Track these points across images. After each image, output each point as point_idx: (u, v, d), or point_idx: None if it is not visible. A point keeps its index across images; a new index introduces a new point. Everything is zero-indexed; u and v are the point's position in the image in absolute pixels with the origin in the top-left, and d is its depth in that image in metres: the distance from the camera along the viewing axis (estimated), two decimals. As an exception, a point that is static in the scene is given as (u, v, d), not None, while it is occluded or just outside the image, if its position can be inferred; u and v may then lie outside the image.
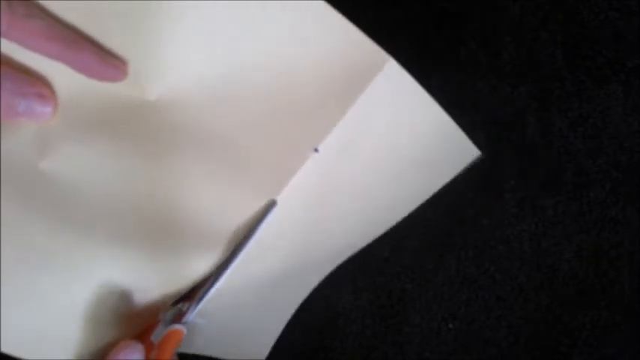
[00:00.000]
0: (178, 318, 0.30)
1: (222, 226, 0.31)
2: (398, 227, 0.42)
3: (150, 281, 0.31)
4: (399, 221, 0.42)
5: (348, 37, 0.29)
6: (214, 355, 0.36)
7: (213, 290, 0.30)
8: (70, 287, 0.29)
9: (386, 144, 0.33)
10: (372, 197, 0.35)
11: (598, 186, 0.42)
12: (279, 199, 0.31)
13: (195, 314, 0.30)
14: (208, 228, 0.31)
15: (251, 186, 0.31)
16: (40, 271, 0.29)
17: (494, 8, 0.43)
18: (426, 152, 0.34)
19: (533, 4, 0.43)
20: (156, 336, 0.29)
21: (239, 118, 0.30)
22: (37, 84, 0.29)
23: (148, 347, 0.28)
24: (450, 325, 0.42)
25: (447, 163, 0.35)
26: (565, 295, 0.42)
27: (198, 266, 0.31)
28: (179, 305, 0.31)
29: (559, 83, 0.43)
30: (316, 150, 0.30)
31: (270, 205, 0.30)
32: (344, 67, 0.30)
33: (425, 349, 0.42)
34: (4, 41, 0.28)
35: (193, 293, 0.31)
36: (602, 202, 0.42)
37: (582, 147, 0.42)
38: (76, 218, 0.29)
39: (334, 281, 0.42)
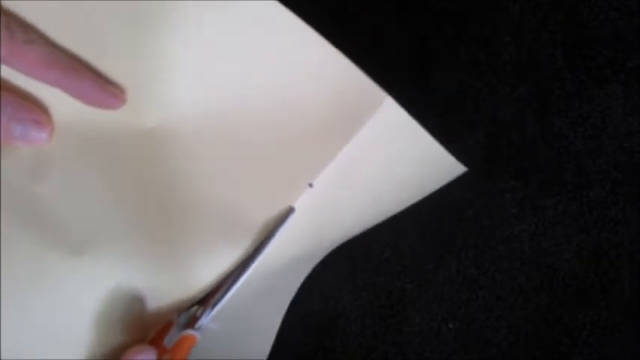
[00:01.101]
0: (192, 322, 0.30)
1: (230, 235, 0.31)
2: (398, 227, 0.42)
3: (160, 287, 0.31)
4: (399, 222, 0.42)
5: (347, 76, 0.30)
6: (217, 358, 0.36)
7: (228, 296, 0.30)
8: (76, 294, 0.29)
9: (379, 174, 0.33)
10: (361, 211, 0.35)
11: (598, 186, 0.42)
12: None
13: (209, 319, 0.30)
14: (214, 240, 0.31)
15: (245, 217, 0.31)
16: (42, 282, 0.29)
17: (494, 8, 0.43)
18: (417, 177, 0.34)
19: (533, 4, 0.43)
20: (169, 340, 0.29)
21: (235, 149, 0.30)
22: (33, 109, 0.29)
23: (161, 351, 0.29)
24: (450, 325, 0.42)
25: (433, 180, 0.35)
26: (565, 295, 0.42)
27: (208, 273, 0.31)
28: (193, 309, 0.31)
29: (559, 83, 0.43)
30: (311, 185, 0.30)
31: (289, 211, 0.31)
32: (342, 105, 0.30)
33: (425, 349, 0.42)
34: (2, 65, 0.28)
35: (207, 297, 0.31)
36: (602, 202, 0.42)
37: (582, 147, 0.42)
38: (76, 236, 0.29)
39: (334, 281, 0.42)
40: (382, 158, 0.32)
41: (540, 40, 0.43)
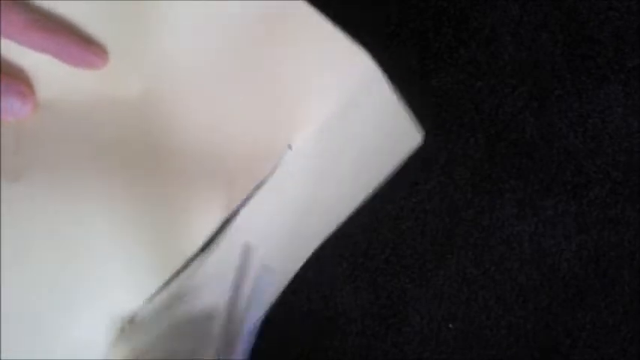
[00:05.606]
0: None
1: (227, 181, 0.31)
2: (398, 227, 0.42)
3: (161, 237, 0.31)
4: (399, 222, 0.42)
5: (339, 47, 0.30)
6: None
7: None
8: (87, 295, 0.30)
9: (358, 145, 0.33)
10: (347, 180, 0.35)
11: (598, 186, 0.42)
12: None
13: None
14: (211, 186, 0.31)
15: (226, 179, 0.31)
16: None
17: (494, 8, 0.43)
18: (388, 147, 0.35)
19: (533, 4, 0.43)
20: None
21: (216, 111, 0.31)
22: (17, 82, 0.29)
23: None
24: (450, 325, 0.42)
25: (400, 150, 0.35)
26: (565, 295, 0.42)
27: (211, 219, 0.31)
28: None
29: (559, 83, 0.43)
30: (290, 147, 0.31)
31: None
32: (331, 75, 0.30)
33: (425, 349, 0.42)
34: None
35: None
36: (602, 202, 0.42)
37: (582, 147, 0.42)
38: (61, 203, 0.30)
39: (334, 281, 0.42)
40: (363, 126, 0.33)
41: (540, 40, 0.43)
